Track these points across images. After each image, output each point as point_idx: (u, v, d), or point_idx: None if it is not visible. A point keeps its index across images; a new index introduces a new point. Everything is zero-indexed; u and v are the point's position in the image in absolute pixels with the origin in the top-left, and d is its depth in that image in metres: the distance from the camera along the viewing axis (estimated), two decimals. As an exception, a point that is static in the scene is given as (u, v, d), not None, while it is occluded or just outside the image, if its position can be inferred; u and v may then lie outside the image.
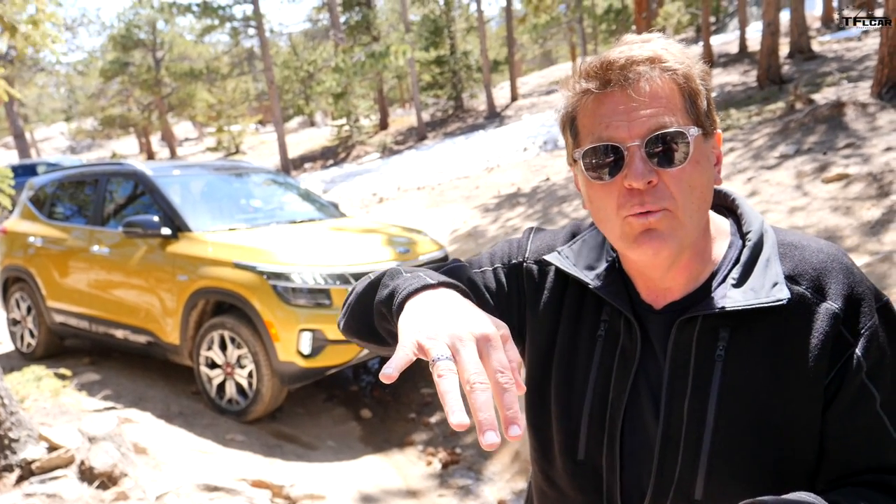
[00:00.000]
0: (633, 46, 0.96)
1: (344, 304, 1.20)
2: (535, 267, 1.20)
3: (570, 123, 1.01)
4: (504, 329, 0.80)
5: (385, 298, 0.99)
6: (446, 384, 0.71)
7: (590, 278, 1.10)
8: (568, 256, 1.14)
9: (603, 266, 1.11)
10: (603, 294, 1.07)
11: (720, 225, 1.08)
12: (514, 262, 1.22)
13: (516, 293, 1.19)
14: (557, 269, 1.17)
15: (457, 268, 1.21)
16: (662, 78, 0.94)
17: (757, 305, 0.95)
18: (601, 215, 1.00)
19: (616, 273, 1.10)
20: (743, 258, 1.01)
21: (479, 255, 1.27)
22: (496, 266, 1.22)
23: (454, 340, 0.76)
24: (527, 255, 1.21)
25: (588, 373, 1.09)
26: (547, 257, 1.16)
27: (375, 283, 1.07)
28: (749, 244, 1.03)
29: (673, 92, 0.94)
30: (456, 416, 0.67)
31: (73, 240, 6.04)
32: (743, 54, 22.49)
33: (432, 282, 0.93)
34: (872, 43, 17.83)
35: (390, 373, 0.72)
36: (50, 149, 49.75)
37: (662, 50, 0.95)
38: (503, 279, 1.20)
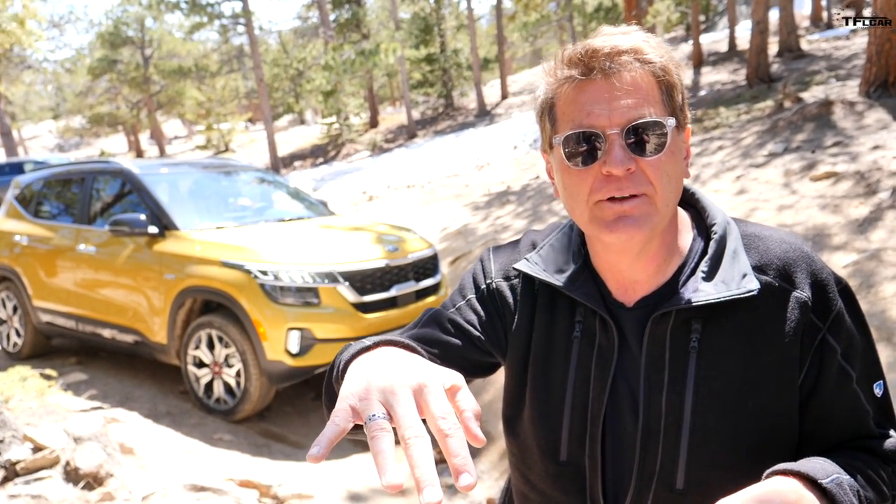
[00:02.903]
0: (615, 37, 0.97)
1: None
2: (503, 283, 1.20)
3: (549, 110, 1.02)
4: (455, 379, 0.74)
5: (335, 377, 0.97)
6: (377, 445, 0.65)
7: (561, 281, 1.11)
8: (537, 262, 1.15)
9: (572, 268, 1.12)
10: (575, 295, 1.08)
11: (683, 218, 1.10)
12: (482, 286, 1.21)
13: (496, 316, 1.19)
14: (525, 278, 1.18)
15: (434, 315, 1.20)
16: (643, 69, 0.95)
17: (729, 297, 0.98)
18: (573, 201, 1.01)
19: (587, 273, 1.11)
20: (710, 251, 1.04)
21: (451, 293, 1.27)
22: (468, 297, 1.22)
23: (386, 395, 0.70)
24: (493, 275, 1.21)
25: (566, 375, 1.10)
26: (516, 266, 1.16)
27: (331, 364, 1.04)
28: (715, 237, 1.05)
29: (652, 83, 0.96)
30: (386, 477, 0.61)
31: (59, 238, 6.00)
32: (732, 53, 22.57)
33: (368, 344, 0.91)
34: (860, 42, 17.92)
35: (316, 453, 0.65)
36: (38, 147, 49.45)
37: (644, 42, 0.97)
38: (479, 308, 1.20)
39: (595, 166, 0.96)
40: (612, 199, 0.96)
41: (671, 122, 0.96)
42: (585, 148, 0.96)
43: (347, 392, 0.74)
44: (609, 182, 0.95)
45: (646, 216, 0.96)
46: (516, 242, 1.25)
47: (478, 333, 1.17)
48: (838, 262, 4.72)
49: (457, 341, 1.16)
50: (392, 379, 0.72)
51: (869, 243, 4.86)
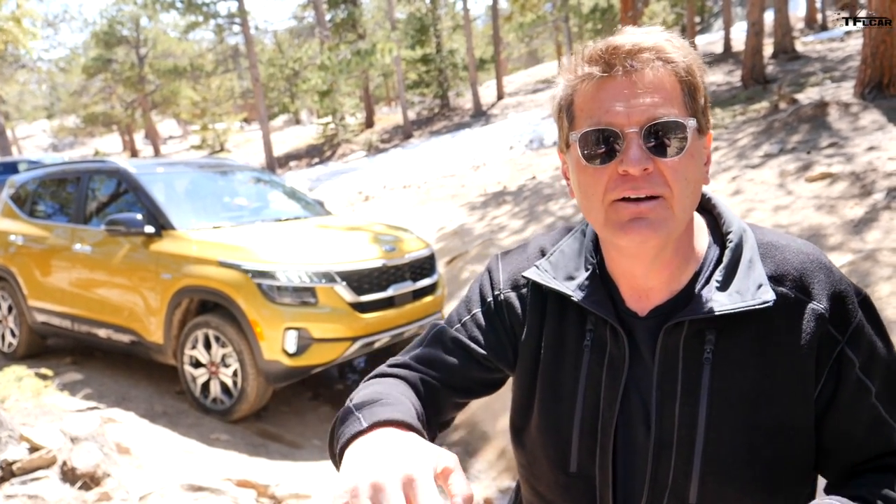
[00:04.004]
0: (637, 35, 0.95)
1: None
2: (512, 293, 1.18)
3: (567, 107, 1.00)
4: (447, 461, 0.76)
5: (335, 451, 0.98)
6: None
7: (571, 289, 1.08)
8: (547, 270, 1.12)
9: (583, 275, 1.10)
10: (585, 304, 1.06)
11: (699, 224, 1.07)
12: (489, 299, 1.19)
13: (503, 329, 1.17)
14: (534, 286, 1.15)
15: (438, 333, 1.20)
16: (665, 68, 0.93)
17: (744, 308, 0.95)
18: (588, 201, 0.99)
19: (598, 281, 1.08)
20: (725, 259, 1.01)
21: (458, 304, 1.25)
22: (474, 312, 1.20)
23: (375, 492, 0.73)
24: (501, 286, 1.19)
25: (576, 384, 1.08)
26: (526, 274, 1.14)
27: (331, 431, 1.04)
28: (731, 245, 1.02)
29: (674, 84, 0.94)
30: None
31: (54, 238, 5.97)
32: (727, 54, 22.63)
33: (364, 426, 0.91)
34: (855, 43, 18.00)
35: None
36: (31, 146, 49.24)
37: (667, 41, 0.94)
38: (484, 323, 1.18)
39: (612, 165, 0.94)
40: (627, 200, 0.93)
41: (692, 123, 0.94)
42: (603, 146, 0.94)
43: (340, 489, 0.76)
44: (625, 181, 0.93)
45: (662, 220, 0.93)
46: (525, 247, 1.23)
47: (483, 352, 1.16)
48: (834, 263, 4.74)
49: (461, 361, 1.16)
50: (380, 473, 0.74)
51: (864, 244, 4.88)
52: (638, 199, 0.93)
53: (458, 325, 1.19)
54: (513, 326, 1.17)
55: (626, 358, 1.03)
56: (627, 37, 0.94)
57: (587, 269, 1.10)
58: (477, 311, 1.19)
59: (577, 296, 1.07)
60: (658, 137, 0.92)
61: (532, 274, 1.13)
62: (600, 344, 1.06)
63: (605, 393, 1.04)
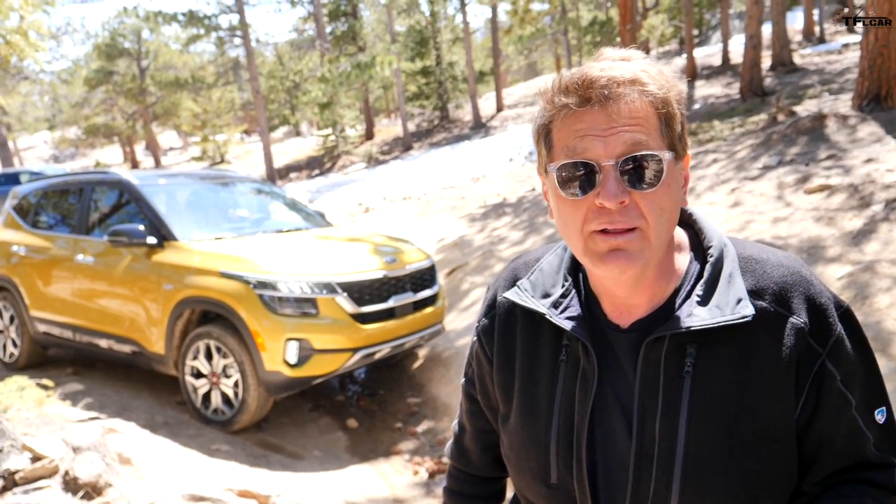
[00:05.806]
0: (613, 64, 0.96)
1: None
2: (485, 320, 1.25)
3: (546, 135, 1.02)
4: None
5: None
6: None
7: (545, 307, 1.11)
8: (526, 289, 1.15)
9: (558, 292, 1.12)
10: (557, 321, 1.08)
11: (680, 239, 1.09)
12: (474, 338, 1.29)
13: (486, 360, 1.25)
14: (505, 306, 1.21)
15: (462, 390, 1.37)
16: (641, 100, 0.94)
17: (723, 323, 0.96)
18: (567, 230, 1.01)
19: (573, 297, 1.11)
20: (706, 274, 1.02)
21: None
22: (471, 368, 1.33)
23: None
24: (480, 317, 1.27)
25: (553, 398, 1.10)
26: (506, 295, 1.17)
27: None
28: (711, 259, 1.04)
29: (650, 114, 0.95)
30: None
31: (57, 249, 6.00)
32: (726, 66, 22.76)
33: None
34: (853, 56, 18.10)
35: None
36: (33, 157, 49.40)
37: (643, 72, 0.96)
38: (478, 358, 1.28)
39: (589, 197, 0.95)
40: (605, 232, 0.95)
41: (668, 155, 0.95)
42: (580, 178, 0.95)
43: None
44: (602, 214, 0.94)
45: (638, 251, 0.95)
46: (501, 275, 1.27)
47: (481, 387, 1.29)
48: (833, 275, 4.76)
49: (486, 422, 1.32)
50: None
51: (863, 255, 4.90)
52: (615, 232, 0.95)
53: (469, 367, 1.34)
54: (492, 353, 1.22)
55: (596, 372, 1.04)
56: (604, 67, 0.95)
57: (562, 286, 1.13)
58: (474, 342, 1.29)
59: (549, 313, 1.09)
60: (634, 170, 0.93)
61: (511, 294, 1.16)
62: (574, 359, 1.08)
63: (578, 406, 1.06)
